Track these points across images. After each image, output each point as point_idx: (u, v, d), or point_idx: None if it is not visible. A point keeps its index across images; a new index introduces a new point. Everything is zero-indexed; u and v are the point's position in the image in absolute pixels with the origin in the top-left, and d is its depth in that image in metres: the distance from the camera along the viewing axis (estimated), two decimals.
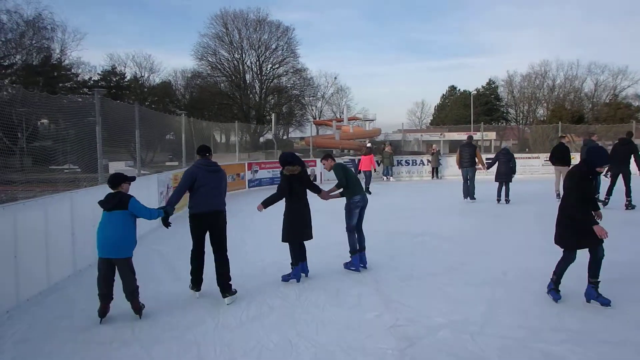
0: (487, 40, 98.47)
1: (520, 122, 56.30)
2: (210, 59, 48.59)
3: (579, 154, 12.47)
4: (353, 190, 6.17)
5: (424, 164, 21.87)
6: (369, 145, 19.08)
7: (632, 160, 10.83)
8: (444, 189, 16.87)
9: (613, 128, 28.29)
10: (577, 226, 4.54)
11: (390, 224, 9.91)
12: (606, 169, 4.41)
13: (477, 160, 13.01)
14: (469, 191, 13.02)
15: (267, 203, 5.62)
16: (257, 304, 5.04)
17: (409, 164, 21.97)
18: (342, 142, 34.68)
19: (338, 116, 52.75)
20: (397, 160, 21.62)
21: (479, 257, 6.91)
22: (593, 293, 4.64)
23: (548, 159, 13.74)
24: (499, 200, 12.53)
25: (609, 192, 11.01)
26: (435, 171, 21.36)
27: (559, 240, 4.74)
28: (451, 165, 22.13)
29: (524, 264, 6.39)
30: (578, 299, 4.83)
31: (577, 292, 4.90)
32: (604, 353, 3.79)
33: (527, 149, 32.68)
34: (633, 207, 10.75)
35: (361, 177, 13.76)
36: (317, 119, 52.32)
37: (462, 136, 42.54)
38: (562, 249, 4.75)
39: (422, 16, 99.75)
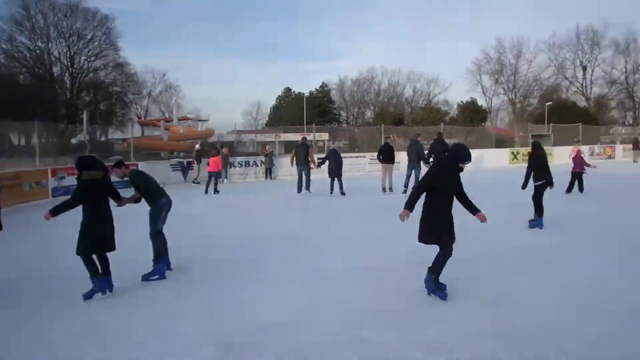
0: (323, 45, 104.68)
1: (351, 123, 61.29)
2: (4, 46, 42.12)
3: (406, 152, 14.62)
4: (157, 194, 6.05)
5: (257, 165, 22.15)
6: (218, 146, 18.82)
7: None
8: (277, 189, 17.36)
9: (427, 129, 32.47)
10: (440, 219, 4.77)
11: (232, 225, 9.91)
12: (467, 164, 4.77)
13: (310, 159, 14.70)
14: (302, 186, 14.69)
15: (56, 211, 5.02)
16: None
17: (242, 165, 22.01)
18: (170, 143, 33.22)
19: (167, 116, 50.35)
20: (231, 162, 21.49)
21: (312, 252, 7.32)
22: (430, 284, 4.93)
23: (376, 157, 15.50)
24: (331, 192, 14.38)
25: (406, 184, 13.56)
26: (268, 172, 21.79)
27: (430, 238, 4.84)
28: (285, 166, 22.89)
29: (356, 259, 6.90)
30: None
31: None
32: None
33: (356, 149, 35.56)
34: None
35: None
36: (143, 118, 49.15)
37: (297, 137, 44.33)
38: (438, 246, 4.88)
39: (262, 16, 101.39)
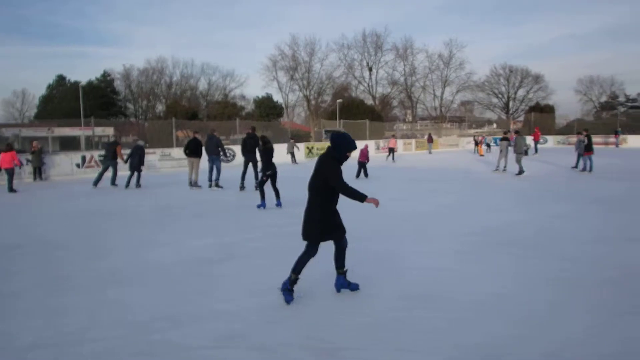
0: (103, 30, 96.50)
1: (140, 117, 58.30)
2: None
3: (204, 147, 15.33)
4: None
5: (22, 164, 19.62)
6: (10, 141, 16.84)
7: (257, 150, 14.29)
8: (46, 190, 15.82)
9: (222, 124, 33.04)
10: (325, 219, 4.87)
11: None
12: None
13: (118, 154, 16.27)
14: (100, 179, 16.19)
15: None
16: None
17: None
18: None
19: None
20: None
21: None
22: (344, 282, 5.18)
23: (183, 151, 15.94)
24: (127, 186, 15.76)
25: (242, 178, 14.34)
26: (37, 171, 19.54)
27: (308, 235, 4.91)
28: (59, 165, 20.78)
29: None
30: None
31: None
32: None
33: (146, 144, 34.04)
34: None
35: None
36: None
37: (75, 131, 40.38)
38: (307, 244, 4.96)
39: None
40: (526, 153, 21.77)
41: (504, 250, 6.89)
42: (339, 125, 37.28)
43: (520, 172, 17.59)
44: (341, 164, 4.85)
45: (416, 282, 5.54)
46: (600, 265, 6.10)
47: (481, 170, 20.19)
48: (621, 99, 74.35)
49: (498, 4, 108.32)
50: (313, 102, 65.21)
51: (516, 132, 20.11)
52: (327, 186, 4.77)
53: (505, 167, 19.15)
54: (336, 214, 4.99)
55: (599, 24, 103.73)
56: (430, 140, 39.42)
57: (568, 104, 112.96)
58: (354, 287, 5.20)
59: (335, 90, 64.82)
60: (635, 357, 3.77)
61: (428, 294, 5.11)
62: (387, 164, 25.24)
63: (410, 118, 71.52)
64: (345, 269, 5.16)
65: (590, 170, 18.19)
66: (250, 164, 14.08)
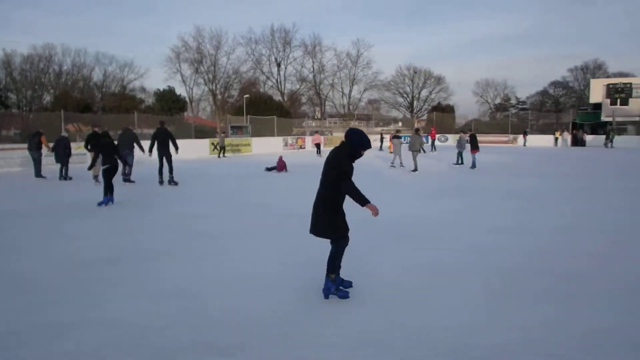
0: None
1: (24, 108, 53.67)
2: None
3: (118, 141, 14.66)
4: None
5: None
6: None
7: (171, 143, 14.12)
8: None
9: (119, 117, 31.25)
10: (342, 211, 4.84)
11: None
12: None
13: (43, 143, 16.74)
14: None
15: None
16: None
17: None
18: None
19: None
20: None
21: None
22: (332, 286, 4.92)
23: (84, 146, 15.86)
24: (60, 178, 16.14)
25: (160, 173, 14.36)
26: None
27: (330, 231, 4.80)
28: None
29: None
30: None
31: None
32: None
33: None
34: (176, 183, 14.24)
35: None
36: None
37: None
38: (335, 239, 4.84)
39: None
40: (423, 151, 22.98)
41: (404, 242, 7.19)
42: (246, 121, 36.76)
43: (415, 169, 18.49)
44: (354, 161, 4.78)
45: (310, 278, 5.57)
46: (497, 254, 6.53)
47: (383, 166, 20.90)
48: (513, 101, 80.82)
49: (403, 6, 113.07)
50: (219, 96, 63.84)
51: (416, 130, 21.11)
52: (339, 180, 4.68)
53: (401, 163, 20.31)
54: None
55: (494, 30, 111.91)
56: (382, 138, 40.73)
57: (467, 105, 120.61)
58: (342, 295, 4.94)
59: (243, 85, 63.94)
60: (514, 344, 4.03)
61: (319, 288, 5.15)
62: (314, 159, 25.32)
63: (319, 115, 72.47)
64: (335, 274, 4.95)
65: (473, 166, 19.81)
66: (165, 158, 14.05)
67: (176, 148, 14.15)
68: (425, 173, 18.19)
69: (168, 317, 4.37)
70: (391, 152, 33.01)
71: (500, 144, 46.88)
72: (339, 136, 42.76)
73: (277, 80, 68.32)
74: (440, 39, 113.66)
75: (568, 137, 46.61)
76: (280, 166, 18.86)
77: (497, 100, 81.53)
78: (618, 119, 49.09)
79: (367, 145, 4.79)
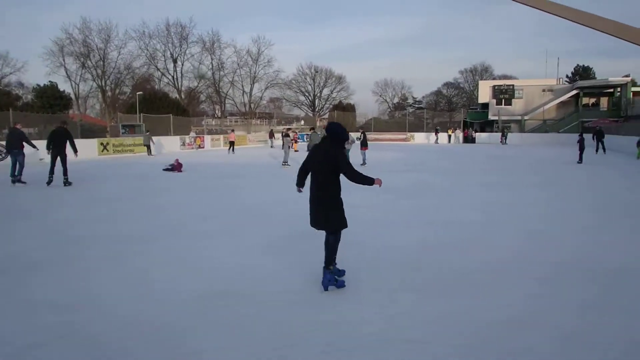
0: None
1: None
2: None
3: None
4: None
5: None
6: None
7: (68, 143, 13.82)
8: None
9: None
10: (342, 203, 5.06)
11: None
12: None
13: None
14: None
15: None
16: None
17: None
18: None
19: None
20: None
21: None
22: (332, 278, 5.05)
23: None
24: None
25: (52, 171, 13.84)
26: None
27: (336, 224, 4.99)
28: None
29: None
30: None
31: None
32: None
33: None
34: (70, 183, 13.80)
35: None
36: None
37: None
38: (334, 232, 5.04)
39: None
40: None
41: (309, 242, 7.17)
42: (139, 120, 35.12)
43: None
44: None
45: (220, 278, 5.46)
46: (405, 250, 6.75)
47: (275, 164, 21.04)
48: (410, 100, 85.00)
49: (303, 5, 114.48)
50: (109, 93, 60.55)
51: (311, 128, 21.54)
52: (337, 173, 4.91)
53: (286, 161, 20.49)
54: None
55: (392, 32, 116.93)
56: (271, 135, 42.65)
57: (367, 104, 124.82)
58: (340, 284, 5.13)
59: (136, 82, 61.17)
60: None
61: (235, 290, 5.06)
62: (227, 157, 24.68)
63: (219, 113, 71.22)
64: (333, 265, 5.14)
65: (364, 163, 20.32)
66: (59, 159, 13.76)
67: (75, 150, 14.10)
68: None
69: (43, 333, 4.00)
70: (297, 151, 33.52)
71: (398, 142, 49.07)
72: (239, 135, 42.38)
73: (173, 77, 66.18)
74: (341, 39, 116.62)
75: (460, 134, 49.94)
76: (177, 167, 18.30)
77: (396, 100, 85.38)
78: (503, 118, 53.51)
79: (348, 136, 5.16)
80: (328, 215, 4.98)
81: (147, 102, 45.80)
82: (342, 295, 4.94)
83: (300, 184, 5.39)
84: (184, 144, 35.27)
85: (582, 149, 22.68)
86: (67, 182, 13.77)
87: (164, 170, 18.48)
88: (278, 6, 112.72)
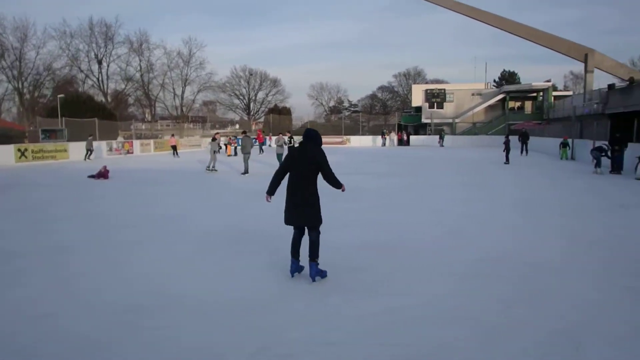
0: None
1: None
2: None
3: None
4: None
5: None
6: None
7: None
8: None
9: None
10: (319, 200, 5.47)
11: None
12: None
13: None
14: None
15: None
16: None
17: None
18: None
19: None
20: None
21: None
22: (318, 270, 5.46)
23: None
24: None
25: None
26: None
27: (319, 220, 5.45)
28: None
29: None
30: None
31: None
32: None
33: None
34: None
35: None
36: None
37: None
38: (316, 227, 5.45)
39: None
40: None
41: (237, 248, 7.21)
42: (61, 124, 33.30)
43: (246, 171, 18.58)
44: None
45: (144, 288, 5.32)
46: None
47: (224, 170, 20.60)
48: (345, 104, 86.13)
49: (236, 6, 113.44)
50: (28, 96, 57.15)
51: (243, 132, 21.25)
52: (317, 173, 5.39)
53: (212, 166, 19.91)
54: None
55: (326, 37, 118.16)
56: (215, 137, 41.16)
57: (303, 107, 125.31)
58: (324, 275, 5.55)
59: (57, 84, 58.09)
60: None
61: (154, 301, 4.95)
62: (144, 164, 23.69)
63: (149, 117, 69.00)
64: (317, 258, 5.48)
65: None
66: None
67: None
68: (255, 175, 18.34)
69: None
70: (229, 155, 33.05)
71: (335, 145, 49.48)
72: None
73: (98, 79, 63.36)
74: (275, 42, 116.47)
75: (395, 137, 51.10)
76: (104, 174, 17.40)
77: (332, 103, 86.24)
78: (436, 121, 55.37)
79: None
80: (312, 212, 5.37)
81: (69, 106, 43.52)
82: (274, 299, 4.97)
83: (272, 192, 5.59)
84: (111, 150, 33.84)
85: (508, 150, 23.87)
86: None
87: (88, 177, 17.60)
88: (209, 7, 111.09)
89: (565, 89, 74.43)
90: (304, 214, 5.36)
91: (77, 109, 42.43)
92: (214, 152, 20.05)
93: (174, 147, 33.74)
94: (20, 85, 56.08)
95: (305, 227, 5.50)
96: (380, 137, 50.98)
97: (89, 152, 29.12)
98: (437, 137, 48.45)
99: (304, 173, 5.33)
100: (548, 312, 4.56)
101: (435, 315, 4.48)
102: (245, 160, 18.73)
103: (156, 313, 4.62)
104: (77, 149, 30.03)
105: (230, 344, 3.94)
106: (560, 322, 4.30)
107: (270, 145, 41.98)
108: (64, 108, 41.13)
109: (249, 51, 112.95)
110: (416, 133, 56.42)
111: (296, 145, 20.39)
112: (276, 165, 20.32)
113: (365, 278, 5.62)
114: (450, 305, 4.75)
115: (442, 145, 46.43)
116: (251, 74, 76.47)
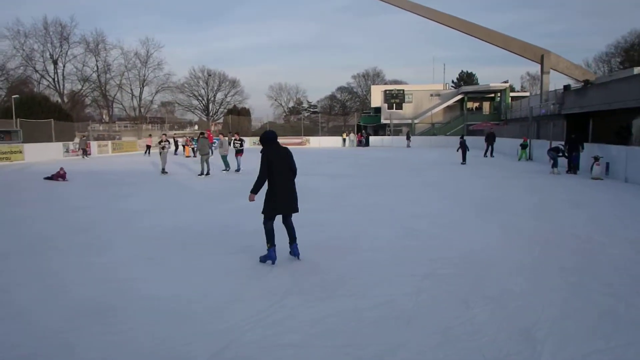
0: None
1: None
2: None
3: None
4: None
5: None
6: None
7: None
8: None
9: None
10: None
11: None
12: None
13: None
14: None
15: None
16: None
17: None
18: None
19: None
20: None
21: None
22: (297, 250, 6.45)
23: None
24: None
25: None
26: None
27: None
28: None
29: None
30: None
31: None
32: None
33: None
34: None
35: None
36: None
37: None
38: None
39: None
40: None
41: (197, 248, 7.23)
42: (15, 125, 32.84)
43: (203, 172, 18.65)
44: None
45: (95, 294, 5.25)
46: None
47: (180, 172, 20.91)
48: (305, 104, 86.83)
49: (189, 7, 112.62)
50: None
51: (201, 133, 21.27)
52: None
53: (163, 169, 19.84)
54: None
55: (284, 37, 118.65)
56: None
57: (262, 108, 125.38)
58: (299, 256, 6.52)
59: (11, 84, 56.58)
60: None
61: (111, 304, 4.90)
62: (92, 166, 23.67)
63: (107, 118, 68.00)
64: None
65: (238, 169, 20.13)
66: None
67: None
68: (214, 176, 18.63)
69: None
70: (188, 156, 33.17)
71: (294, 145, 50.17)
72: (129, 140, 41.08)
73: (54, 79, 61.79)
74: (234, 43, 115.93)
75: (354, 138, 52.10)
76: (61, 175, 17.60)
77: (291, 104, 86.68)
78: (395, 121, 56.07)
79: None
80: (296, 200, 6.39)
81: (24, 107, 42.59)
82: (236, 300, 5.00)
83: (257, 191, 6.28)
84: (67, 151, 33.55)
85: (464, 151, 24.17)
86: None
87: (45, 178, 17.74)
88: (166, 7, 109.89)
89: (522, 89, 76.24)
90: (294, 203, 6.35)
91: (32, 110, 41.68)
92: (160, 153, 20.00)
93: (148, 147, 36.37)
94: None
95: (285, 215, 6.37)
96: (342, 136, 51.74)
97: (84, 152, 33.10)
98: (398, 137, 49.22)
99: (285, 169, 6.27)
100: (510, 306, 4.75)
101: (392, 317, 4.55)
102: (203, 162, 18.77)
103: (115, 313, 4.60)
104: (32, 150, 29.69)
105: (189, 345, 3.95)
106: (521, 321, 4.44)
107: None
108: (19, 109, 40.35)
109: (207, 52, 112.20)
110: (376, 134, 57.17)
111: (240, 146, 20.54)
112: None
113: (322, 280, 5.67)
114: (407, 306, 4.83)
115: (410, 146, 46.92)
116: (209, 75, 75.98)
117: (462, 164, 23.72)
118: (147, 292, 5.28)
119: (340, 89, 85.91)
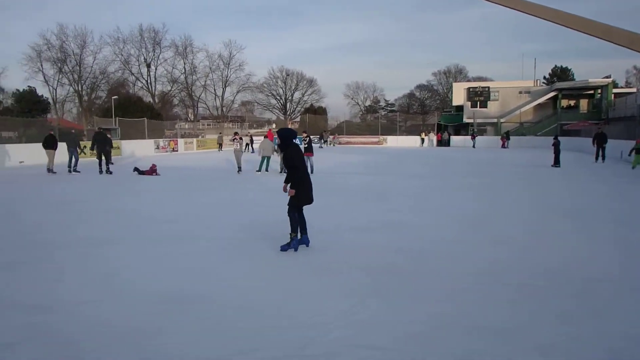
0: None
1: None
2: None
3: None
4: None
5: None
6: None
7: None
8: None
9: None
10: None
11: None
12: None
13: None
14: None
15: None
16: None
17: None
18: None
19: None
20: None
21: None
22: (308, 240, 6.79)
23: None
24: None
25: None
26: None
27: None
28: None
29: None
30: None
31: None
32: None
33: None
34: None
35: None
36: None
37: None
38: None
39: None
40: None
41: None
42: (114, 124, 34.98)
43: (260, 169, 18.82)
44: None
45: (188, 280, 5.27)
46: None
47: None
48: (382, 103, 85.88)
49: (273, 8, 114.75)
50: (86, 98, 59.86)
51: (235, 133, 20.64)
52: None
53: (240, 168, 19.42)
54: None
55: (363, 35, 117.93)
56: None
57: (339, 107, 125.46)
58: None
59: (111, 86, 60.54)
60: None
61: (198, 293, 4.90)
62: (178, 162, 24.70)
63: (192, 117, 70.94)
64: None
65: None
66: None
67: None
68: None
69: None
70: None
71: (370, 145, 49.75)
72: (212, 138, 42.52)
73: (147, 81, 65.50)
74: (312, 42, 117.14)
75: (434, 137, 50.63)
76: (154, 170, 18.70)
77: (367, 103, 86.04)
78: (478, 121, 52.45)
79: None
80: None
81: (122, 106, 45.49)
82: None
83: (295, 185, 6.62)
84: (158, 147, 35.30)
85: (557, 152, 21.94)
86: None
87: (135, 171, 18.81)
88: (248, 10, 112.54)
89: (627, 85, 67.74)
90: (312, 195, 6.75)
91: (129, 110, 44.32)
92: (234, 151, 19.99)
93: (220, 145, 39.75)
94: (79, 88, 58.75)
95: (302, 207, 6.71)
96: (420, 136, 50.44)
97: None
98: (483, 137, 46.92)
99: (305, 164, 6.86)
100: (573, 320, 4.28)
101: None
102: (262, 161, 18.93)
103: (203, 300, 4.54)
104: (128, 146, 31.63)
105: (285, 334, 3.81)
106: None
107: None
108: (117, 108, 43.04)
109: (286, 52, 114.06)
110: (457, 133, 54.68)
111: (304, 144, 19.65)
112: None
113: (403, 281, 5.42)
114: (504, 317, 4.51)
115: (474, 147, 44.46)
116: (288, 75, 77.08)
117: (552, 166, 21.78)
118: (209, 292, 5.14)
119: (420, 87, 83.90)
